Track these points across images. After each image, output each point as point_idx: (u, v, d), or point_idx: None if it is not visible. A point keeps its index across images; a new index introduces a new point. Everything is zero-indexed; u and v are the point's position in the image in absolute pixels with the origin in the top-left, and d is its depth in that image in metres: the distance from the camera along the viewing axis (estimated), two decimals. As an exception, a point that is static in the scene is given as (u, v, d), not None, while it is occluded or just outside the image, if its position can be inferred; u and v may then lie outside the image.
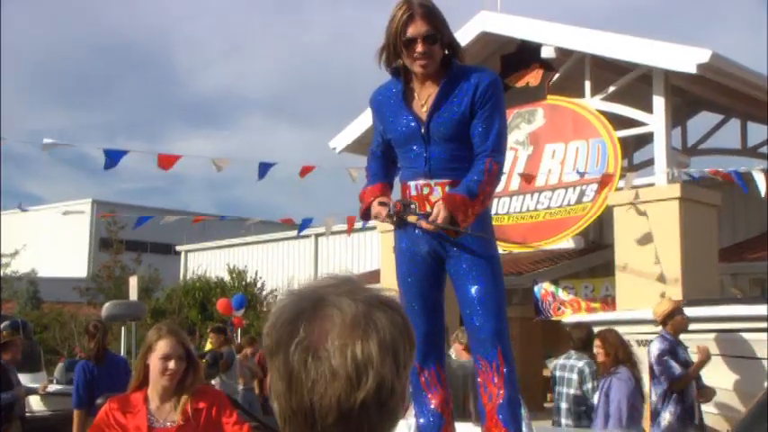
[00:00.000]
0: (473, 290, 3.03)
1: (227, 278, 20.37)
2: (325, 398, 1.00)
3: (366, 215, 3.18)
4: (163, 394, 3.23)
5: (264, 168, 11.99)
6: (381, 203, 3.08)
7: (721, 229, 12.16)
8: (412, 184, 3.07)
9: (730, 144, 15.18)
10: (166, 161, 8.69)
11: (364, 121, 14.40)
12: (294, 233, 22.28)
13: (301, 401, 1.01)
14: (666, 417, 5.73)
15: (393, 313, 1.05)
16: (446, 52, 3.05)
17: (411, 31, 2.97)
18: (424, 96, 3.07)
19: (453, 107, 3.02)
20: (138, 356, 3.38)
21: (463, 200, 2.92)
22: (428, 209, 2.99)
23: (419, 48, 2.96)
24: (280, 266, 22.23)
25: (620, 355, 5.63)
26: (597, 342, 5.91)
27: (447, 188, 3.00)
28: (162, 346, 3.22)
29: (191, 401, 3.23)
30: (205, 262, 23.42)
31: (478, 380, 3.06)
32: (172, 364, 3.20)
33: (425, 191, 3.05)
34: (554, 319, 12.45)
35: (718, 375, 6.09)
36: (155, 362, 3.22)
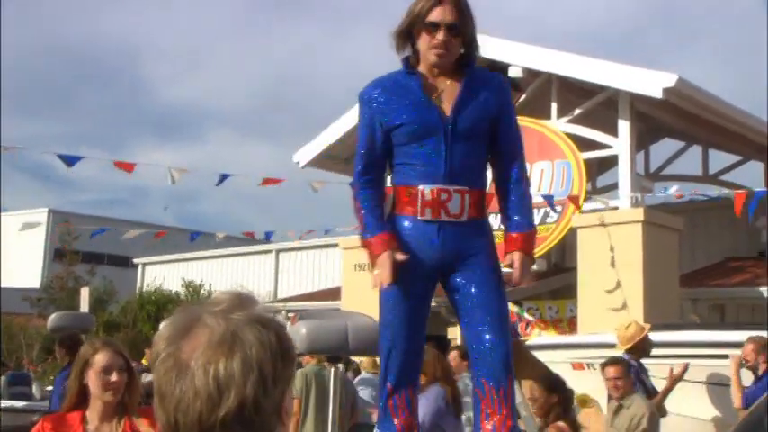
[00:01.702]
0: (490, 306, 2.81)
1: (182, 291, 19.99)
2: (188, 415, 1.00)
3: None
4: (104, 413, 2.98)
5: (223, 177, 11.83)
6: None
7: (682, 254, 12.19)
8: (425, 188, 2.75)
9: (692, 171, 15.31)
10: (124, 167, 8.50)
11: (328, 135, 14.26)
12: (256, 248, 22.01)
13: (168, 417, 1.02)
14: None
15: (265, 331, 1.05)
16: (462, 52, 2.84)
17: (436, 16, 2.76)
18: (439, 91, 2.83)
19: (479, 105, 2.81)
20: (72, 375, 3.08)
21: (533, 234, 2.86)
22: (443, 216, 2.76)
23: (440, 35, 2.74)
24: (240, 281, 21.90)
25: (437, 373, 5.56)
26: None
27: (467, 197, 2.77)
28: (100, 359, 2.97)
29: (132, 422, 3.00)
30: (161, 275, 22.99)
31: (479, 405, 2.79)
32: (114, 377, 2.95)
33: (443, 197, 2.76)
34: (522, 338, 12.34)
35: (685, 402, 6.00)
36: (94, 378, 2.97)
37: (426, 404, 5.43)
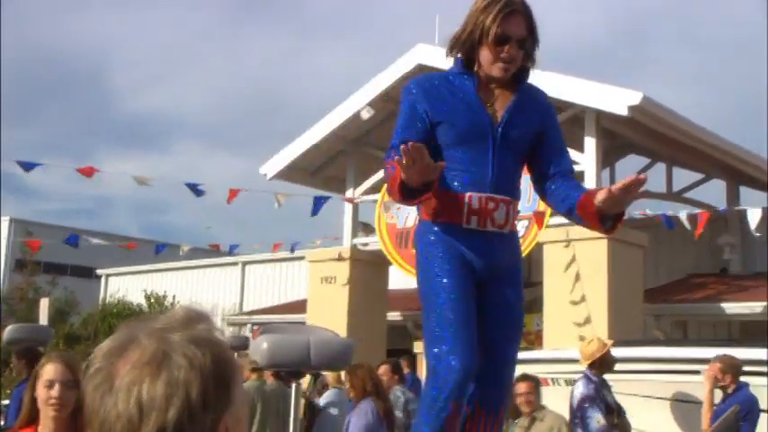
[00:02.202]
0: (513, 328, 2.70)
1: (145, 304, 19.72)
2: None
3: (407, 193, 2.48)
4: (55, 431, 2.87)
5: (191, 186, 11.75)
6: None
7: (646, 270, 12.30)
8: (473, 195, 2.62)
9: (656, 188, 15.49)
10: (85, 172, 8.42)
11: (296, 147, 14.20)
12: (222, 260, 21.79)
13: None
14: None
15: (200, 352, 1.00)
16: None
17: (508, 28, 2.59)
18: (492, 96, 2.71)
19: (527, 118, 2.72)
20: (27, 389, 2.97)
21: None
22: (488, 226, 2.63)
23: (510, 49, 2.59)
24: (206, 293, 21.66)
25: (367, 388, 5.58)
26: (346, 377, 5.90)
27: (510, 207, 2.67)
28: (45, 372, 2.82)
29: None
30: (125, 286, 22.67)
31: (464, 425, 2.62)
32: (55, 391, 2.79)
33: (490, 205, 2.63)
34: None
35: (650, 418, 6.01)
36: (40, 392, 2.86)
37: (360, 418, 5.43)
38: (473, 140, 2.64)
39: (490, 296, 2.67)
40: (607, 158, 13.96)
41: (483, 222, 2.63)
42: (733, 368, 5.68)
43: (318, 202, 12.69)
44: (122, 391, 0.97)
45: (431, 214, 2.70)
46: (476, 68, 2.69)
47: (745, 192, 14.69)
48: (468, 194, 2.62)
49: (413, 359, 12.09)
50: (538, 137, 2.73)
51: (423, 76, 2.80)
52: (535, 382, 5.70)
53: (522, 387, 5.54)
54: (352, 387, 5.69)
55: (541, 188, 2.79)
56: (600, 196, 2.45)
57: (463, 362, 2.49)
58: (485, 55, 2.63)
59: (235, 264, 21.42)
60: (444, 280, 2.60)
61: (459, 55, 2.71)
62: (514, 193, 2.71)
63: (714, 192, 15.55)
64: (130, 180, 9.62)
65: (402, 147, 2.34)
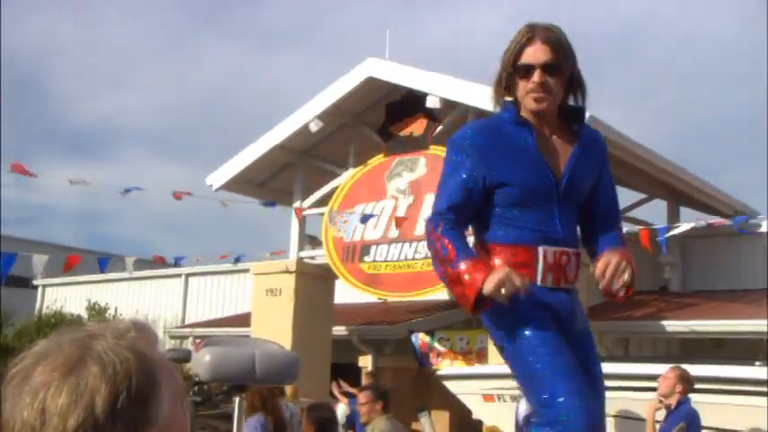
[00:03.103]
0: (599, 385, 2.58)
1: (85, 315, 19.22)
2: None
3: (479, 303, 2.38)
4: None
5: (130, 190, 11.53)
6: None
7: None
8: (547, 249, 2.50)
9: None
10: (17, 169, 8.24)
11: (242, 159, 14.05)
12: (165, 271, 21.39)
13: None
14: None
15: (119, 362, 0.95)
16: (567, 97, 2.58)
17: (528, 57, 2.49)
18: (549, 146, 2.56)
19: (587, 168, 2.59)
20: None
21: (628, 252, 2.53)
22: (562, 283, 2.52)
23: (535, 77, 2.47)
24: (148, 304, 21.23)
25: (255, 403, 5.64)
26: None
27: (578, 259, 2.59)
28: None
29: None
30: (63, 297, 22.07)
31: None
32: None
33: (563, 259, 2.52)
34: (435, 368, 12.33)
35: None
36: None
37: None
38: (537, 199, 2.52)
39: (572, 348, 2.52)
40: (553, 176, 14.14)
41: (557, 280, 2.52)
42: (687, 381, 5.71)
43: (270, 204, 12.54)
44: (29, 396, 0.93)
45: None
46: (522, 112, 2.57)
47: (684, 212, 15.02)
48: (541, 248, 2.50)
49: (356, 372, 12.01)
50: (595, 182, 2.67)
51: (476, 128, 2.60)
52: (374, 394, 5.87)
53: (361, 398, 5.82)
54: (246, 402, 5.69)
55: (584, 231, 2.73)
56: (600, 264, 2.47)
57: (586, 405, 2.38)
58: (519, 92, 2.53)
59: (178, 275, 21.06)
60: (535, 333, 2.45)
61: (506, 99, 2.58)
62: (578, 244, 2.64)
63: (655, 211, 15.87)
64: (69, 186, 9.39)
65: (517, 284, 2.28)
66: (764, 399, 5.10)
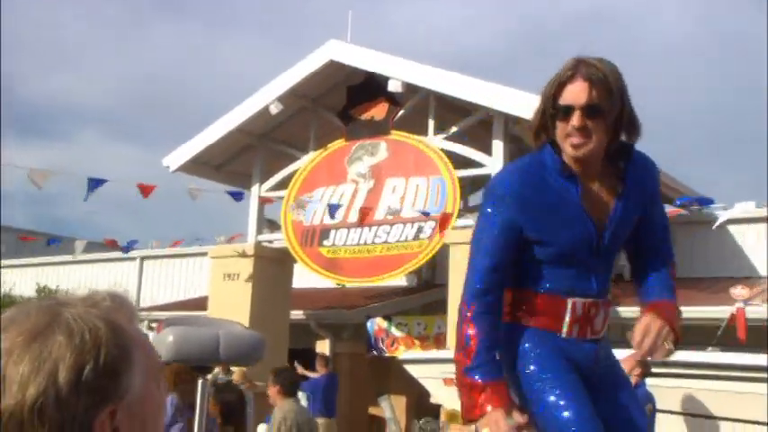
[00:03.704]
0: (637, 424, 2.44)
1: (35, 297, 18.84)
2: None
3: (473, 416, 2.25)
4: None
5: (93, 185, 11.23)
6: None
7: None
8: (576, 301, 2.33)
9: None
10: None
11: (200, 140, 13.84)
12: (119, 254, 21.04)
13: None
14: None
15: (88, 328, 0.91)
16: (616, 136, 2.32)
17: (568, 97, 2.23)
18: (591, 195, 2.32)
19: (634, 209, 2.37)
20: None
21: (676, 307, 2.33)
22: (588, 334, 2.36)
23: (574, 120, 2.20)
24: (100, 288, 20.84)
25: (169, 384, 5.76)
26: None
27: (609, 310, 2.42)
28: None
29: None
30: (12, 280, 21.60)
31: None
32: None
33: (592, 311, 2.36)
34: (388, 355, 12.33)
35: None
36: None
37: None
38: (576, 255, 2.35)
39: (601, 406, 2.34)
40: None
41: (583, 332, 2.37)
42: (645, 366, 5.87)
43: (236, 195, 12.38)
44: None
45: (523, 314, 2.38)
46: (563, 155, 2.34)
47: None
48: (571, 301, 2.33)
49: (325, 359, 11.97)
50: (640, 220, 2.44)
51: (519, 179, 2.32)
52: (273, 378, 6.16)
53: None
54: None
55: (631, 263, 2.54)
56: (639, 329, 2.27)
57: None
58: (558, 133, 2.26)
59: (132, 258, 20.74)
60: (557, 389, 2.28)
61: (546, 141, 2.33)
62: (609, 293, 2.46)
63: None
64: (17, 168, 9.08)
65: None
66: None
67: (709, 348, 6.99)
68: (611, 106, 2.23)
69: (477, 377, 2.24)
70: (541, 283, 2.36)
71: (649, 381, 6.18)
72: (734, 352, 6.55)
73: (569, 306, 2.34)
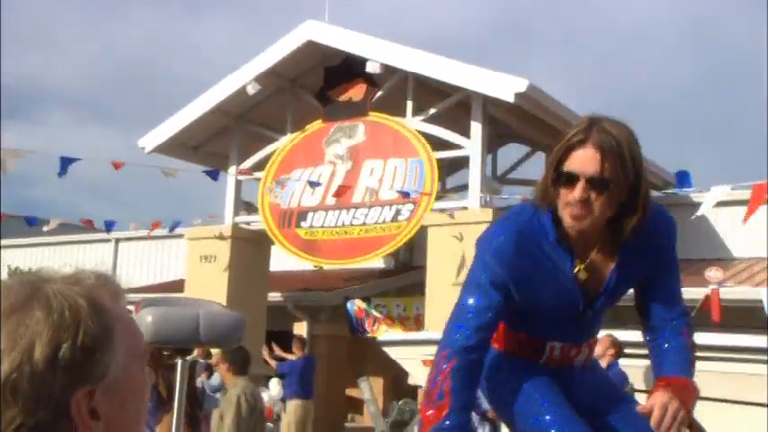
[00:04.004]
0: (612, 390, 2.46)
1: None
2: None
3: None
4: None
5: (66, 163, 11.09)
6: None
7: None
8: (555, 345, 2.28)
9: (535, 176, 15.92)
10: None
11: (176, 121, 13.69)
12: (94, 236, 20.83)
13: None
14: None
15: (68, 305, 0.89)
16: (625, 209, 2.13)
17: (574, 163, 2.03)
18: (587, 262, 2.19)
19: (628, 280, 2.24)
20: None
21: (692, 386, 2.13)
22: (567, 365, 2.32)
23: (577, 191, 2.02)
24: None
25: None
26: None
27: (593, 344, 2.38)
28: None
29: None
30: (-17, 262, 21.31)
31: None
32: None
33: (573, 352, 2.32)
34: (370, 335, 12.34)
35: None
36: None
37: None
38: (559, 314, 2.25)
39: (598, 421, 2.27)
40: (490, 146, 14.20)
41: (564, 364, 2.31)
42: (618, 346, 5.97)
43: (213, 174, 12.27)
44: None
45: (502, 345, 2.32)
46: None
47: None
48: (550, 344, 2.28)
49: (302, 341, 11.95)
50: (646, 276, 2.27)
51: (514, 239, 2.16)
52: (224, 356, 5.97)
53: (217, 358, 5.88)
54: None
55: (643, 322, 2.35)
56: (646, 406, 2.11)
57: None
58: (559, 199, 2.09)
59: (107, 240, 20.55)
60: (542, 402, 2.22)
61: (548, 208, 2.15)
62: (596, 335, 2.40)
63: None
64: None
65: None
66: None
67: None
68: (621, 179, 2.04)
69: (447, 423, 2.09)
70: (521, 327, 2.29)
71: (624, 361, 6.22)
72: (712, 333, 6.60)
73: (548, 348, 2.28)
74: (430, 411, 2.12)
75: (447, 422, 2.08)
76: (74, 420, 0.87)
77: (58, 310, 0.88)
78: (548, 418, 2.18)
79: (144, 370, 0.98)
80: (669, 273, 2.27)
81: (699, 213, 10.09)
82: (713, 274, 9.93)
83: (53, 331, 0.87)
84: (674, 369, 2.17)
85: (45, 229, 14.55)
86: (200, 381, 9.37)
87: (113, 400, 0.90)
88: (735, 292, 10.68)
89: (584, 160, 2.02)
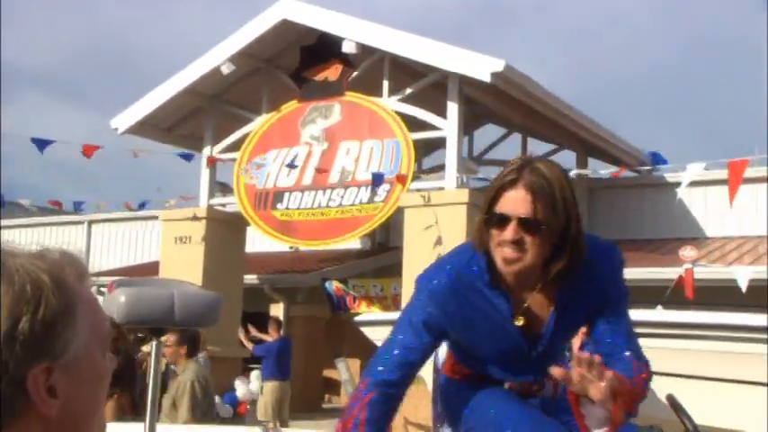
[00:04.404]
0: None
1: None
2: None
3: None
4: None
5: (41, 145, 10.92)
6: None
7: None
8: (514, 385, 2.28)
9: (511, 157, 15.91)
10: None
11: (149, 102, 13.51)
12: (66, 218, 20.59)
13: None
14: None
15: (30, 280, 0.87)
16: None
17: (506, 204, 2.01)
18: (521, 298, 2.14)
19: (569, 325, 2.20)
20: None
21: (628, 384, 1.98)
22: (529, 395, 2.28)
23: (508, 232, 1.99)
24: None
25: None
26: None
27: (551, 381, 2.26)
28: None
29: None
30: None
31: None
32: None
33: (534, 388, 2.30)
34: (352, 312, 12.32)
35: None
36: None
37: None
38: (505, 359, 2.21)
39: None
40: (467, 127, 14.20)
41: (528, 397, 2.28)
42: None
43: (186, 157, 12.15)
44: None
45: (459, 376, 2.29)
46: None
47: (593, 163, 15.37)
48: (508, 384, 2.27)
49: (278, 323, 11.92)
50: (591, 318, 2.19)
51: (450, 282, 2.13)
52: (178, 336, 5.78)
53: (168, 339, 5.69)
54: None
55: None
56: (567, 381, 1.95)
57: None
58: (491, 241, 2.06)
59: (79, 222, 20.32)
60: (492, 400, 2.22)
61: (484, 250, 2.10)
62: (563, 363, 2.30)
63: (565, 162, 16.17)
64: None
65: None
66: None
67: (659, 307, 7.08)
68: (553, 220, 2.00)
69: None
70: (476, 367, 2.26)
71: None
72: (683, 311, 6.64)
73: (506, 385, 2.27)
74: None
75: None
76: (31, 396, 0.85)
77: (19, 284, 0.86)
78: (504, 413, 2.18)
79: (106, 354, 0.96)
80: (616, 314, 2.17)
81: (679, 196, 10.16)
82: (687, 252, 10.01)
83: (14, 304, 0.85)
84: (611, 366, 2.03)
85: (26, 220, 14.34)
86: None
87: (72, 380, 0.89)
88: (708, 271, 10.79)
89: (515, 201, 2.00)
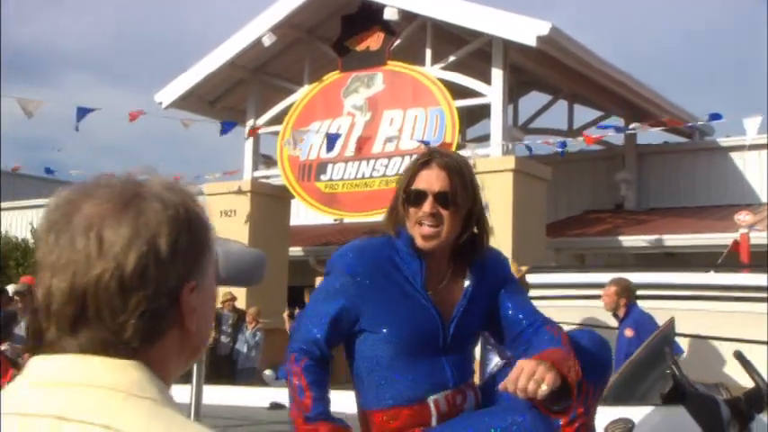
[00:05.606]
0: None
1: (31, 239, 18.69)
2: (62, 275, 0.88)
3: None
4: None
5: (82, 112, 11.03)
6: None
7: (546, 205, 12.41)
8: (438, 398, 2.19)
9: (558, 125, 15.62)
10: None
11: (192, 75, 13.52)
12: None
13: (44, 287, 0.90)
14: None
15: (178, 200, 0.93)
16: (469, 232, 2.22)
17: (421, 181, 2.16)
18: (435, 281, 2.22)
19: (476, 311, 2.25)
20: None
21: (562, 351, 2.05)
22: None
23: (426, 206, 2.13)
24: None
25: None
26: None
27: (474, 389, 2.27)
28: None
29: None
30: (6, 222, 21.45)
31: None
32: None
33: (458, 400, 2.23)
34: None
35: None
36: None
37: None
38: (421, 347, 2.20)
39: None
40: (511, 94, 13.94)
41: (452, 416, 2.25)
42: (627, 290, 5.65)
43: (227, 127, 12.16)
44: (81, 227, 0.89)
45: (388, 423, 2.22)
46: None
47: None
48: (432, 399, 2.19)
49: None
50: (496, 303, 2.30)
51: (362, 257, 2.22)
52: None
53: None
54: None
55: (503, 342, 2.35)
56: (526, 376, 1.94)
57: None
58: (408, 222, 2.18)
59: (128, 199, 20.57)
60: None
61: (398, 232, 2.21)
62: (473, 375, 2.33)
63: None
64: (15, 109, 8.88)
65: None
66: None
67: (711, 271, 6.86)
68: (463, 199, 2.17)
69: (321, 424, 2.10)
70: (392, 395, 2.19)
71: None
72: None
73: (432, 407, 2.19)
74: (297, 409, 2.14)
75: (314, 418, 2.11)
76: (182, 310, 0.91)
77: (172, 205, 0.91)
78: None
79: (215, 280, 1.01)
80: (518, 295, 2.33)
81: (747, 146, 9.91)
82: (743, 217, 9.71)
83: (172, 223, 0.91)
84: (539, 347, 2.12)
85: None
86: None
87: (203, 298, 0.94)
88: (764, 236, 10.46)
89: (430, 178, 2.16)
